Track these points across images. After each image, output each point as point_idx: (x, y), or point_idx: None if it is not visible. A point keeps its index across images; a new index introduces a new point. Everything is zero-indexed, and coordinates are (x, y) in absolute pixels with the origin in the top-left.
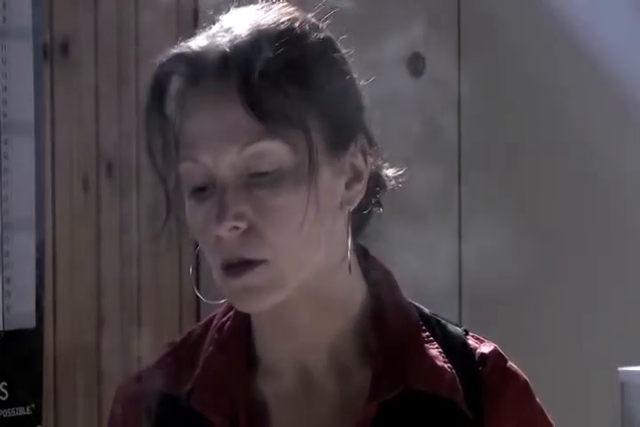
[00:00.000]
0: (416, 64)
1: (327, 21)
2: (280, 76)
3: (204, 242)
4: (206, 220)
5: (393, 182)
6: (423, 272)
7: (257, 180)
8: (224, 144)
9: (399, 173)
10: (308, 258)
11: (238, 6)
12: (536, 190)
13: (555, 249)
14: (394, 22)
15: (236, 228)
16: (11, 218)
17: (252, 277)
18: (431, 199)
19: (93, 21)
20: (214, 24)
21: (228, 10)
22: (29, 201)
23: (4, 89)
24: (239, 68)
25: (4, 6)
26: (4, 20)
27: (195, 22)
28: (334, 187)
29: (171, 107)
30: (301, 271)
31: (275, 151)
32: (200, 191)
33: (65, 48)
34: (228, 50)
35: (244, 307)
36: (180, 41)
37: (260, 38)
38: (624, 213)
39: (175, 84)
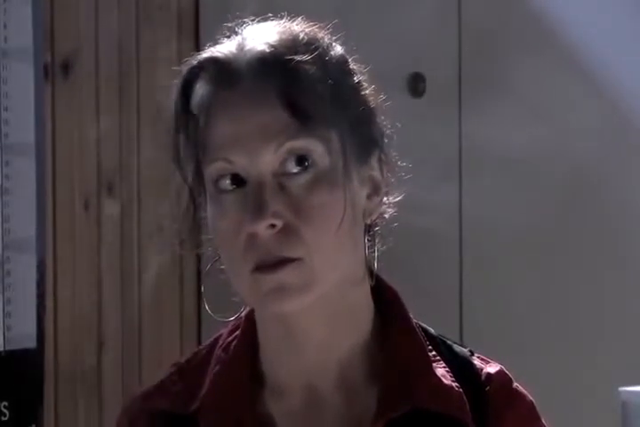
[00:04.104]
0: (416, 84)
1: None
2: (316, 79)
3: (233, 245)
4: (238, 220)
5: (391, 210)
6: None
7: (293, 179)
8: (261, 142)
9: (397, 199)
10: (339, 261)
11: (245, 23)
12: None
13: (555, 272)
14: (393, 42)
15: (273, 226)
16: (12, 238)
17: (287, 274)
18: (432, 218)
19: (94, 41)
20: (234, 36)
21: (236, 26)
22: (30, 221)
23: (5, 109)
24: (279, 68)
25: (4, 26)
26: (5, 40)
27: (196, 40)
28: (360, 195)
29: (200, 109)
30: (332, 274)
31: (310, 150)
32: (227, 193)
33: (66, 68)
34: (267, 50)
35: (275, 307)
36: (193, 55)
37: (295, 42)
38: (628, 223)
39: (206, 87)
